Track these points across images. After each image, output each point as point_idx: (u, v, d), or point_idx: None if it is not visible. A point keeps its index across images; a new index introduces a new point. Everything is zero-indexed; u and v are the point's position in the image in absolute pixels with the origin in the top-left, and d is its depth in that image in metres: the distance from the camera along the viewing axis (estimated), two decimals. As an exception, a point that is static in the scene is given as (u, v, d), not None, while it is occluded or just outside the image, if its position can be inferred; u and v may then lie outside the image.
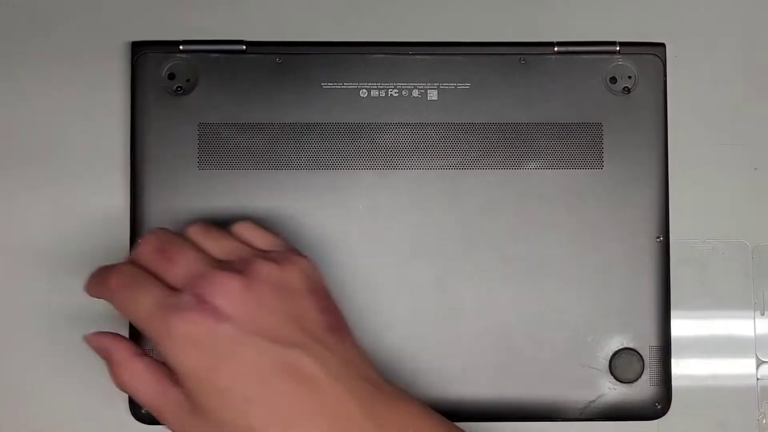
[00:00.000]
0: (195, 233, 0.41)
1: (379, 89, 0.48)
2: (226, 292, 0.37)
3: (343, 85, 0.48)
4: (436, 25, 0.51)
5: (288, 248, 0.42)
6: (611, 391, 0.48)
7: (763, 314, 0.50)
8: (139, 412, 0.47)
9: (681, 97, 0.50)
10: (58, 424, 0.49)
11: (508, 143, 0.48)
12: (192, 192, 0.48)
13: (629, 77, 0.49)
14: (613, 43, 0.49)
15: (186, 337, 0.37)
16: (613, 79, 0.49)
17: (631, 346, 0.48)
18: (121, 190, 0.49)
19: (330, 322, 0.40)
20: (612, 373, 0.48)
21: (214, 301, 0.37)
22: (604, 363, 0.48)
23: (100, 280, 0.40)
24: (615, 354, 0.48)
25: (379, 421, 0.38)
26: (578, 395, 0.48)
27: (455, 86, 0.48)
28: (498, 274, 0.48)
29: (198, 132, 0.48)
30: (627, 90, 0.49)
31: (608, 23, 0.51)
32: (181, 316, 0.37)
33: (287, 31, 0.50)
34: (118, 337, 0.40)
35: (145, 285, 0.39)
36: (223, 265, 0.39)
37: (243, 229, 0.42)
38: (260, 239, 0.42)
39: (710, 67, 0.51)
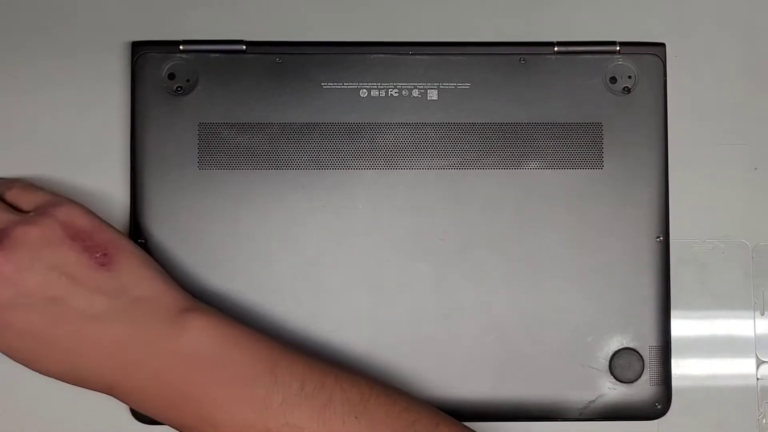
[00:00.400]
0: None
1: (379, 89, 0.48)
2: None
3: (343, 85, 0.48)
4: (436, 25, 0.51)
5: (51, 202, 0.45)
6: (611, 391, 0.48)
7: (763, 314, 0.50)
8: (140, 413, 0.47)
9: (681, 97, 0.50)
10: (58, 424, 0.49)
11: (508, 143, 0.48)
12: (192, 192, 0.48)
13: (629, 77, 0.49)
14: (613, 43, 0.49)
15: None
16: (613, 79, 0.49)
17: (631, 346, 0.48)
18: (121, 190, 0.49)
19: (96, 259, 0.43)
20: (612, 373, 0.48)
21: None
22: (604, 363, 0.48)
23: None
24: (615, 354, 0.48)
25: (156, 349, 0.42)
26: (578, 395, 0.48)
27: (455, 86, 0.48)
28: (498, 274, 0.48)
29: (198, 132, 0.48)
30: (627, 90, 0.49)
31: (608, 23, 0.51)
32: None
33: (287, 31, 0.50)
34: None
35: None
36: None
37: (12, 195, 0.46)
38: (26, 201, 0.45)
39: (710, 67, 0.51)
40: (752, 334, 0.50)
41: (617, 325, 0.48)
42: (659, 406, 0.48)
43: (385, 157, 0.48)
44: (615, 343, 0.48)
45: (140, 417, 0.47)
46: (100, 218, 0.45)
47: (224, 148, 0.48)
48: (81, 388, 0.43)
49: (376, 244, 0.48)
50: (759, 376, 0.50)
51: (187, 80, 0.48)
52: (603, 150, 0.48)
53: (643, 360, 0.48)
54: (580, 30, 0.50)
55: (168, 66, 0.48)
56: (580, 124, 0.48)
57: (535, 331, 0.48)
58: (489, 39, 0.50)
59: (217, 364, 0.42)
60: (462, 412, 0.47)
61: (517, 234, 0.48)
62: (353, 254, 0.48)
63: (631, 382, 0.48)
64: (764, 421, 0.49)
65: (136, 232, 0.48)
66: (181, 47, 0.48)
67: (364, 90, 0.48)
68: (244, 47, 0.48)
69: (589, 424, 0.48)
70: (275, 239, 0.48)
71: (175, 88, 0.48)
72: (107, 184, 0.49)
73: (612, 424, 0.48)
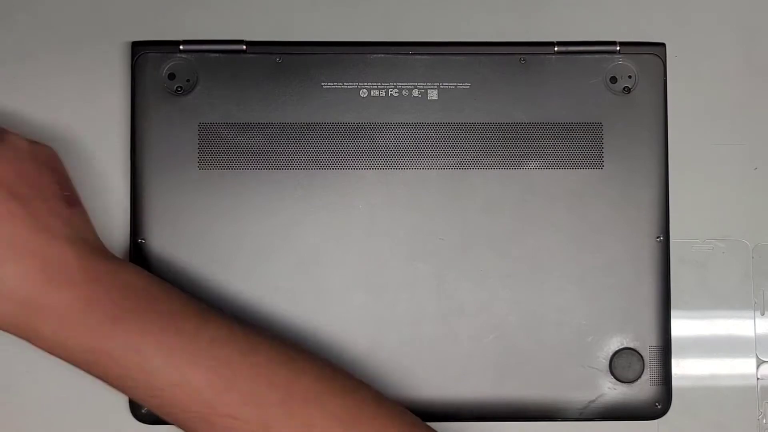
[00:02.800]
0: None
1: (379, 89, 0.48)
2: None
3: (343, 85, 0.48)
4: (436, 25, 0.51)
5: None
6: (611, 391, 0.48)
7: (763, 314, 0.50)
8: (139, 412, 0.47)
9: (681, 97, 0.50)
10: (58, 424, 0.49)
11: (508, 143, 0.48)
12: (192, 192, 0.48)
13: (629, 77, 0.49)
14: (613, 43, 0.49)
15: None
16: (613, 79, 0.49)
17: (631, 346, 0.48)
18: (121, 190, 0.49)
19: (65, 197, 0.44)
20: (612, 373, 0.48)
21: None
22: (604, 363, 0.48)
23: None
24: (615, 354, 0.48)
25: (92, 273, 0.42)
26: (578, 395, 0.48)
27: (455, 86, 0.48)
28: (498, 274, 0.48)
29: (198, 132, 0.48)
30: (627, 90, 0.49)
31: (608, 23, 0.51)
32: None
33: (287, 31, 0.50)
34: None
35: None
36: None
37: None
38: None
39: (710, 67, 0.51)
40: (752, 334, 0.50)
41: (617, 325, 0.48)
42: (659, 406, 0.48)
43: (385, 157, 0.48)
44: (615, 343, 0.48)
45: (140, 416, 0.47)
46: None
47: (224, 148, 0.48)
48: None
49: (376, 244, 0.48)
50: (759, 376, 0.50)
51: (187, 80, 0.48)
52: (603, 150, 0.48)
53: (643, 360, 0.48)
54: (580, 30, 0.50)
55: (168, 66, 0.48)
56: (580, 124, 0.48)
57: (535, 331, 0.48)
58: (489, 39, 0.50)
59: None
60: (462, 412, 0.47)
61: (517, 234, 0.48)
62: (353, 254, 0.48)
63: (631, 382, 0.48)
64: (764, 421, 0.49)
65: (136, 232, 0.48)
66: (181, 47, 0.48)
67: (364, 90, 0.48)
68: (244, 47, 0.48)
69: (589, 424, 0.48)
70: (275, 239, 0.48)
71: (175, 88, 0.48)
72: (107, 184, 0.49)
73: (612, 424, 0.48)
